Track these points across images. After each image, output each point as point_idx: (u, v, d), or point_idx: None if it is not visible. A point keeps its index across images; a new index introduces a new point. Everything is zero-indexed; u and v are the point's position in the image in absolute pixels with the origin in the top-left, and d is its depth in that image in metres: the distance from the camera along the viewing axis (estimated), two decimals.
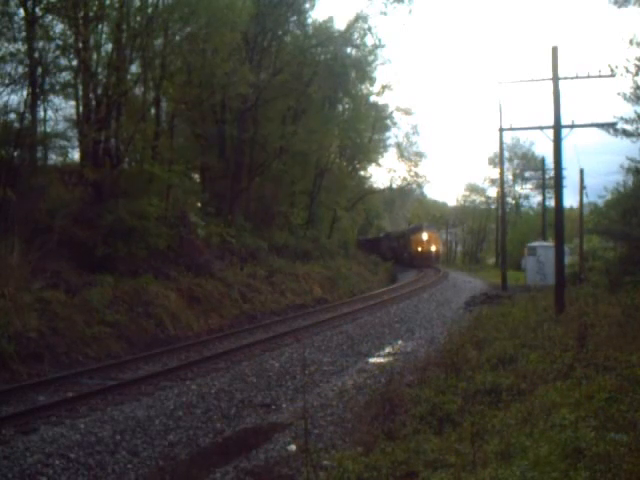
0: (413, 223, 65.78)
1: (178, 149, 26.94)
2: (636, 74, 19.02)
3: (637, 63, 18.84)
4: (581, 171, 35.62)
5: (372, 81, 43.49)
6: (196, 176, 30.89)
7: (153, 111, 23.98)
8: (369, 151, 47.36)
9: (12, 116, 19.47)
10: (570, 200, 73.35)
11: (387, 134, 53.94)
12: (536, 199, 66.35)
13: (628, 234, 20.38)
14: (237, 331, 18.14)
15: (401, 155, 60.52)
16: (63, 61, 20.42)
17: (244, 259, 26.21)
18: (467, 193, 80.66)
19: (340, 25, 36.15)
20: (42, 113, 20.33)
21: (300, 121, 33.35)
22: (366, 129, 45.06)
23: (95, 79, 20.52)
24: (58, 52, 19.93)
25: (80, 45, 19.51)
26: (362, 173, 52.93)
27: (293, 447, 7.69)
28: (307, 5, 34.33)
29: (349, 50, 36.63)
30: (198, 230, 23.77)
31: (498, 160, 41.66)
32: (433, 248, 52.37)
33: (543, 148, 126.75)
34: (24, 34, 18.94)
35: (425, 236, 52.00)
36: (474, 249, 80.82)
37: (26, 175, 18.41)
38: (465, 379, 9.11)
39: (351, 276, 35.67)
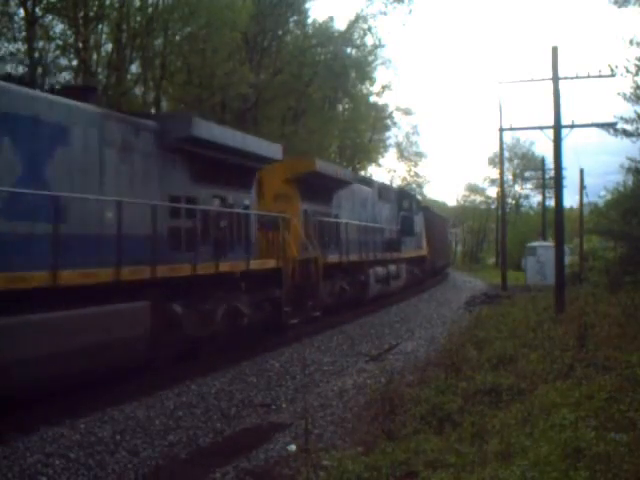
0: None
1: None
2: (636, 74, 19.02)
3: (637, 63, 18.85)
4: (581, 171, 35.76)
5: (372, 81, 43.50)
6: None
7: (153, 111, 23.99)
8: (369, 151, 47.35)
9: None
10: (570, 200, 73.22)
11: (387, 134, 53.97)
12: (536, 199, 66.59)
13: (628, 234, 20.37)
14: None
15: (401, 155, 60.58)
16: (63, 61, 20.48)
17: None
18: (467, 193, 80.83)
19: (340, 25, 36.18)
20: None
21: (300, 121, 33.33)
22: (366, 129, 45.04)
23: (95, 79, 20.53)
24: (58, 52, 19.97)
25: (80, 45, 19.54)
26: (362, 173, 52.89)
27: (293, 447, 7.67)
28: (307, 5, 34.45)
29: (349, 50, 36.63)
30: None
31: (498, 160, 41.71)
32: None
33: (543, 148, 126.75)
34: (24, 34, 18.97)
35: None
36: (474, 249, 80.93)
37: None
38: (465, 379, 9.10)
39: None
